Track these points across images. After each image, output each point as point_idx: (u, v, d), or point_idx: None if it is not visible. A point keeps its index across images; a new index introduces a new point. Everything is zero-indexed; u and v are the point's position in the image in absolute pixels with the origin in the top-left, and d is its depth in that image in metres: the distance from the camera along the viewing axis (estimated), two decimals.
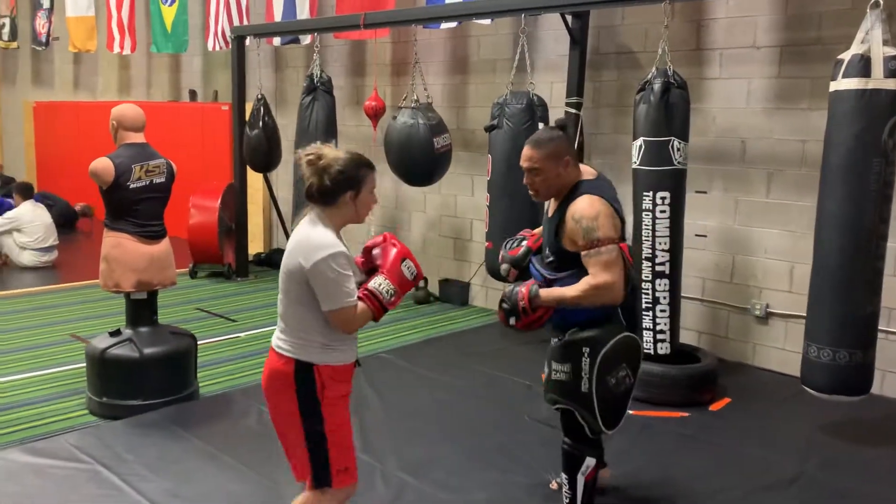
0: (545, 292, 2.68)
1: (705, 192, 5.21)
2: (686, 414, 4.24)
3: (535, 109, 5.11)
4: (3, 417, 4.04)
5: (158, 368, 4.05)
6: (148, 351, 4.02)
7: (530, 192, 2.88)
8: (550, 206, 2.91)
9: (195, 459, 3.53)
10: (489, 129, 5.17)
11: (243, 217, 7.57)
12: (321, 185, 2.33)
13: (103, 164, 3.91)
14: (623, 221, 2.81)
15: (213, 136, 8.97)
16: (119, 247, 4.01)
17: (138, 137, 4.07)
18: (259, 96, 6.87)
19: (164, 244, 4.18)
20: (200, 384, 4.52)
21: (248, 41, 7.24)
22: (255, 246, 8.39)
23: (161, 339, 4.12)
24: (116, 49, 9.68)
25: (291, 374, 2.35)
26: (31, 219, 7.59)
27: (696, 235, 5.25)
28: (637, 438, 3.92)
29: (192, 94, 9.53)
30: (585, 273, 2.68)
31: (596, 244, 2.64)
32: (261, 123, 6.75)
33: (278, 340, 2.41)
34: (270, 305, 5.86)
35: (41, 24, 11.21)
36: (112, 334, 4.11)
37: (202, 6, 8.61)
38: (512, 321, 2.70)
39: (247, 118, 7.03)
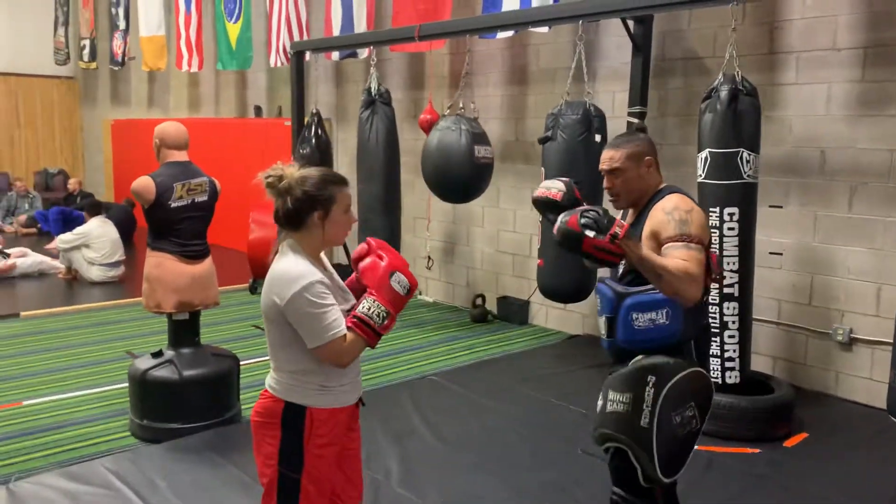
0: (641, 246, 2.28)
1: (781, 207, 4.84)
2: (756, 450, 3.89)
3: (592, 120, 4.84)
4: (47, 438, 4.02)
5: (198, 391, 3.96)
6: (188, 373, 3.93)
7: (610, 199, 2.58)
8: (628, 217, 2.60)
9: (227, 488, 3.40)
10: (543, 140, 4.93)
11: None
12: (285, 209, 2.14)
13: (144, 183, 3.86)
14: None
15: (278, 151, 8.98)
16: (160, 267, 3.95)
17: (181, 156, 4.01)
18: (314, 111, 6.81)
19: (207, 264, 4.10)
20: (245, 406, 4.43)
21: (307, 56, 7.21)
22: None
23: (202, 361, 4.03)
24: (185, 67, 9.88)
25: (279, 415, 2.16)
26: (99, 234, 7.74)
27: (771, 253, 4.90)
28: (700, 477, 3.59)
29: (258, 110, 9.62)
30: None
31: (687, 238, 2.29)
32: (313, 140, 6.68)
33: (271, 380, 2.22)
34: None
35: (117, 44, 11.57)
36: (154, 355, 4.05)
37: (265, 22, 8.67)
38: (590, 234, 2.21)
39: None
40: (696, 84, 5.22)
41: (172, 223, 3.92)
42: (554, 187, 2.55)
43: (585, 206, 2.30)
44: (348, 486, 2.37)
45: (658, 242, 2.35)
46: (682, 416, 2.35)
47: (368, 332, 2.10)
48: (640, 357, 2.40)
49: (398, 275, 2.14)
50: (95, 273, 7.74)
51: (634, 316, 2.36)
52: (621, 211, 2.64)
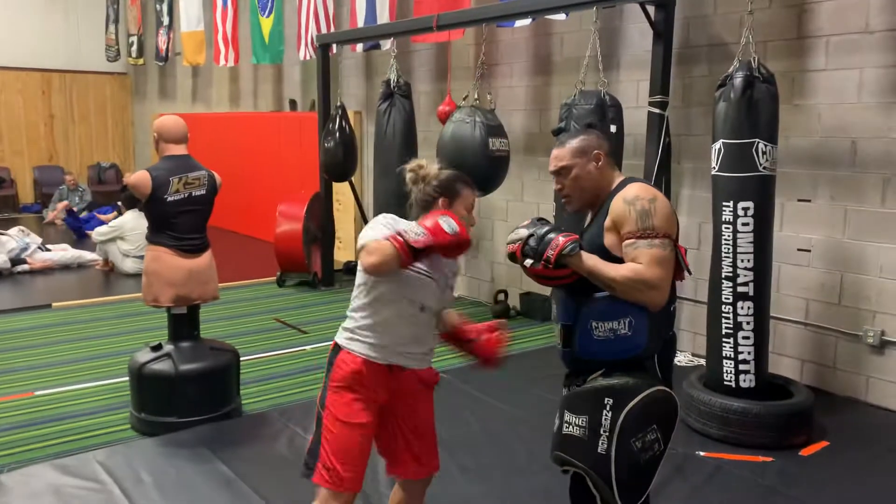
0: (586, 256, 2.15)
1: (809, 201, 4.58)
2: (769, 459, 3.67)
3: (607, 110, 4.65)
4: (52, 428, 4.07)
5: (194, 385, 3.94)
6: (183, 367, 3.92)
7: (563, 201, 2.39)
8: (586, 221, 2.39)
9: (210, 485, 3.37)
10: (556, 132, 4.72)
11: (329, 226, 7.51)
12: (416, 193, 2.40)
13: (140, 177, 3.86)
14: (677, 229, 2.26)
15: (311, 144, 9.03)
16: (157, 261, 3.95)
17: (180, 149, 3.99)
18: (338, 104, 6.77)
19: (205, 258, 4.08)
20: (253, 400, 4.43)
21: (333, 49, 7.18)
22: (347, 254, 8.34)
23: (199, 356, 4.02)
24: (222, 62, 9.99)
25: (329, 352, 2.44)
26: (133, 227, 7.87)
27: (799, 250, 4.64)
28: (704, 486, 3.41)
29: (293, 104, 9.65)
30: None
31: (650, 233, 2.11)
32: (337, 133, 6.64)
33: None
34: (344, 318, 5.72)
35: (162, 40, 11.79)
36: (153, 348, 4.05)
37: (296, 16, 8.68)
38: (528, 263, 2.18)
39: None
40: (721, 72, 4.90)
41: (169, 217, 3.92)
42: (517, 237, 2.25)
43: (536, 230, 2.19)
44: (404, 452, 2.47)
45: (619, 237, 2.16)
46: (643, 440, 2.15)
47: (399, 240, 2.19)
48: (597, 374, 2.21)
49: (449, 218, 2.22)
50: (129, 265, 7.88)
51: (594, 325, 2.16)
52: (589, 214, 2.44)
